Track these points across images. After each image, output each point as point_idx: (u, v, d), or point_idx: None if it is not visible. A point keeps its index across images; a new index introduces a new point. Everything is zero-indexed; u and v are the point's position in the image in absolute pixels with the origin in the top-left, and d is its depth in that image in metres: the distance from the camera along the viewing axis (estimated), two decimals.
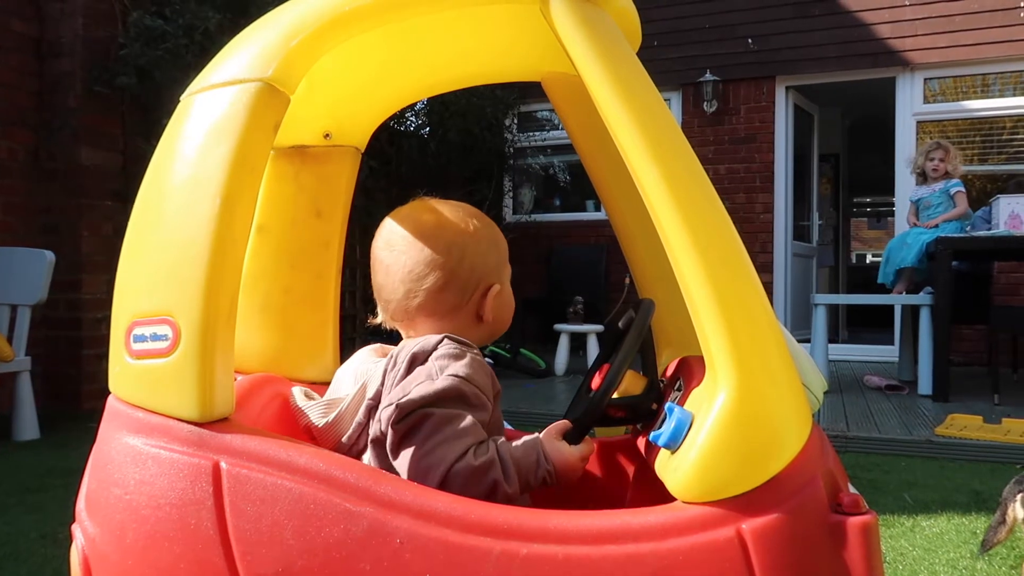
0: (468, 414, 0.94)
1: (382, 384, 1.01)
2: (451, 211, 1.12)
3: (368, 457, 1.01)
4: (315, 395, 1.11)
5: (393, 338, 1.14)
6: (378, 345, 1.15)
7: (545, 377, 5.77)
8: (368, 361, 1.10)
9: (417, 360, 0.99)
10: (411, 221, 1.10)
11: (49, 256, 3.84)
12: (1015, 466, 3.14)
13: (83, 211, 4.51)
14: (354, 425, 1.02)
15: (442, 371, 0.96)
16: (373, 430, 0.98)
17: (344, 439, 1.03)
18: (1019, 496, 1.89)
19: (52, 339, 4.49)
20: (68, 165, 4.51)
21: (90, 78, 4.44)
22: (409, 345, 1.02)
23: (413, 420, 0.93)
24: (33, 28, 4.55)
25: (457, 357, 0.99)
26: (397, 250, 1.08)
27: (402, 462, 0.93)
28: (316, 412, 1.06)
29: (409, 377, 0.98)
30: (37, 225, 4.55)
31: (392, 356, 1.02)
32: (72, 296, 4.48)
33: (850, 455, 3.45)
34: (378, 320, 1.13)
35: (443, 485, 0.89)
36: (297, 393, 1.11)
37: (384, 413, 0.95)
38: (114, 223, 4.62)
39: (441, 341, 1.01)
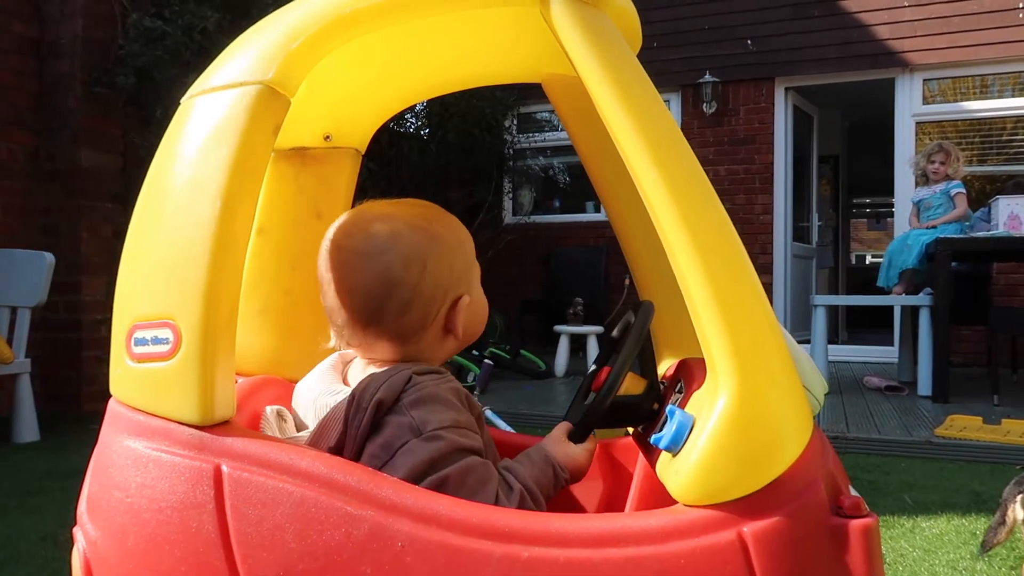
0: (473, 456, 0.89)
1: (343, 433, 0.90)
2: (405, 215, 0.97)
3: None
4: (288, 415, 1.03)
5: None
6: (337, 356, 1.05)
7: (545, 378, 5.78)
8: (328, 390, 0.98)
9: (383, 406, 0.88)
10: (360, 233, 0.96)
11: (49, 258, 3.84)
12: (1015, 467, 3.15)
13: (83, 212, 4.51)
14: None
15: (425, 425, 0.87)
16: None
17: None
18: (1019, 497, 1.89)
19: (52, 341, 4.49)
20: (68, 166, 4.51)
21: (89, 79, 4.44)
22: (372, 386, 0.89)
23: (432, 487, 0.85)
24: (33, 29, 4.55)
25: (431, 399, 0.89)
26: (347, 267, 0.95)
27: None
28: None
29: (385, 436, 0.88)
30: (37, 226, 4.56)
31: (355, 398, 0.90)
32: (72, 298, 4.48)
33: (850, 456, 3.45)
34: (331, 344, 1.02)
35: None
36: (270, 415, 1.00)
37: None
38: (114, 224, 4.62)
39: (409, 381, 0.90)
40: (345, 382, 1.02)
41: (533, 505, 0.91)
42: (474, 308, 1.02)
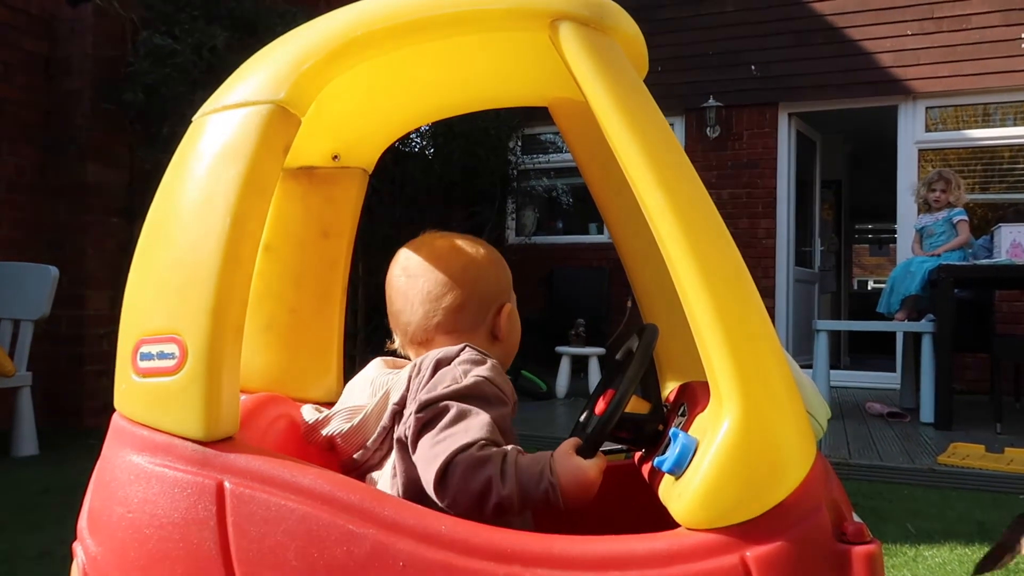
0: (485, 412, 0.97)
1: (407, 389, 1.04)
2: (461, 238, 1.18)
3: (392, 459, 1.03)
4: (324, 410, 1.13)
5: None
6: (389, 357, 1.18)
7: (546, 399, 5.76)
8: (383, 373, 1.12)
9: (441, 365, 1.03)
10: (425, 248, 1.15)
11: (53, 271, 3.85)
12: (1017, 496, 3.13)
13: (88, 228, 4.53)
14: (379, 430, 1.05)
15: (466, 374, 1.01)
16: (399, 432, 1.01)
17: (369, 443, 1.06)
18: None
19: (54, 355, 4.48)
20: (74, 182, 4.53)
21: (98, 96, 4.48)
22: (433, 353, 1.05)
23: (432, 412, 0.96)
24: (43, 47, 4.59)
25: (479, 362, 1.03)
26: (414, 275, 1.13)
27: (419, 452, 0.96)
28: (339, 419, 1.08)
29: (434, 379, 1.01)
30: (42, 241, 4.57)
31: (416, 364, 1.06)
32: (75, 312, 4.48)
33: (852, 482, 3.43)
34: (395, 346, 1.17)
35: (445, 474, 0.91)
36: (307, 410, 1.14)
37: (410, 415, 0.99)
38: (119, 240, 4.63)
39: (463, 348, 1.05)
40: None
41: (498, 474, 0.91)
42: (514, 318, 1.19)
